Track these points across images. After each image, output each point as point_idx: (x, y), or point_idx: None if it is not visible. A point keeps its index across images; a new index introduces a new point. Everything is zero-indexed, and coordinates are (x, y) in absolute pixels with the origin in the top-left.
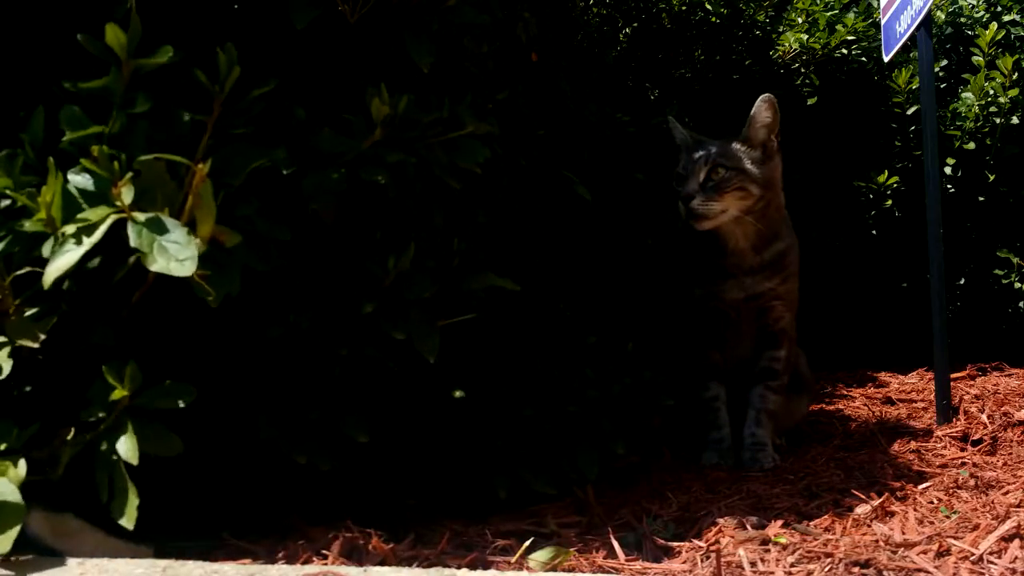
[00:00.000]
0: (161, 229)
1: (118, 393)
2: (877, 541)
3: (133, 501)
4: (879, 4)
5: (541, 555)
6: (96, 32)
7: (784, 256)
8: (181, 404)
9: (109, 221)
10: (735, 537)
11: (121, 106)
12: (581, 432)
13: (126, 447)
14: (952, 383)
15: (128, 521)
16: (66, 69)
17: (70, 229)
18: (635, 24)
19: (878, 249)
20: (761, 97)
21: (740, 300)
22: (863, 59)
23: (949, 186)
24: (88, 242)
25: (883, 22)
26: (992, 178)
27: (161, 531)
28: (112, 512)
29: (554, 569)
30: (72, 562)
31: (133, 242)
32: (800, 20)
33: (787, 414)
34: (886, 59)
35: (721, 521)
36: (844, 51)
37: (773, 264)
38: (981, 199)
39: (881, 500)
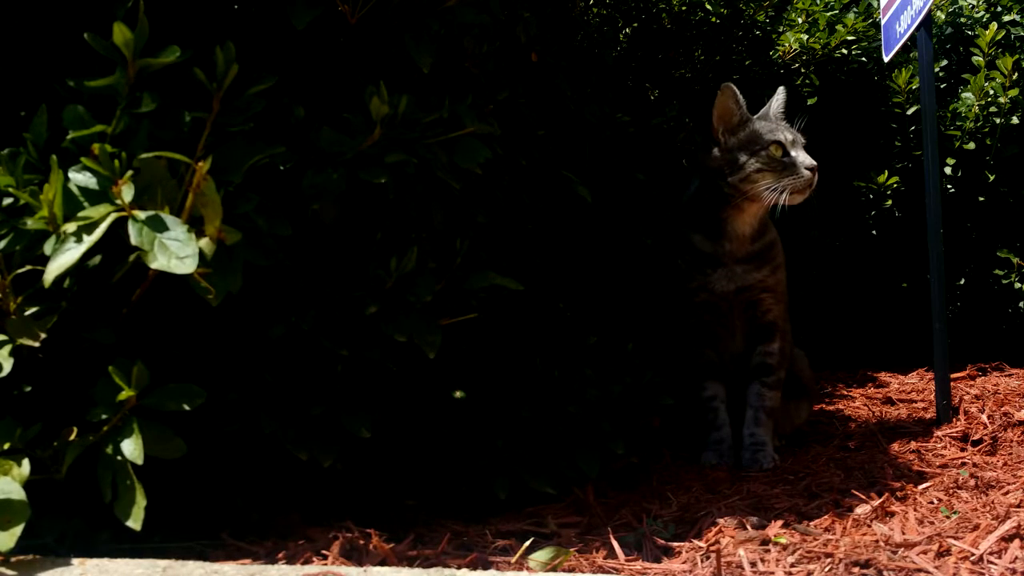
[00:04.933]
0: (161, 227)
1: (125, 394)
2: (877, 541)
3: (140, 503)
4: (879, 4)
5: (541, 555)
6: (99, 31)
7: (772, 247)
8: (187, 407)
9: (110, 219)
10: (735, 537)
11: (126, 106)
12: (581, 432)
13: (131, 448)
14: (952, 383)
15: (135, 523)
16: (69, 68)
17: (71, 227)
18: (635, 24)
19: (878, 249)
20: (779, 89)
21: (731, 292)
22: (863, 59)
23: (949, 186)
24: (89, 240)
25: (883, 22)
26: (992, 178)
27: (161, 531)
28: (117, 513)
29: (554, 569)
30: (73, 561)
31: (134, 240)
32: (800, 20)
33: (787, 418)
34: (886, 59)
35: (721, 521)
36: (844, 51)
37: (762, 254)
38: (981, 199)
39: (881, 500)
